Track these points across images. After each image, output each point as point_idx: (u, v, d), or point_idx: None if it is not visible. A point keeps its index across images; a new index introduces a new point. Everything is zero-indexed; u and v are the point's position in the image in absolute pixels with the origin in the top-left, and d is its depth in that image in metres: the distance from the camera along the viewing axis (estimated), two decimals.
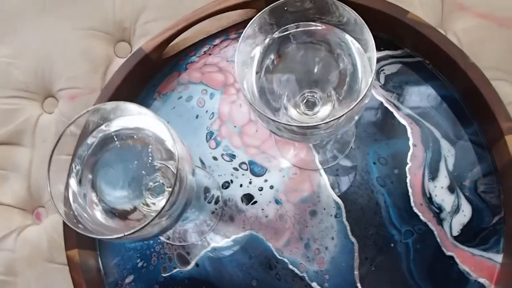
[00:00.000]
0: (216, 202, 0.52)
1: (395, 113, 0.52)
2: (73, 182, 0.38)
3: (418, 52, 0.53)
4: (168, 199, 0.36)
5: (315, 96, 0.44)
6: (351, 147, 0.52)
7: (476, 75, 0.48)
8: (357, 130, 0.52)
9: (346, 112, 0.35)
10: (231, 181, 0.53)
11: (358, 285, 0.48)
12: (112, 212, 0.41)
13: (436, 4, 0.57)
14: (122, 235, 0.35)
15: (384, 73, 0.53)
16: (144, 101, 0.56)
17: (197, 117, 0.55)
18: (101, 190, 0.40)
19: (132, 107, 0.38)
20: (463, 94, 0.51)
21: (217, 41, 0.57)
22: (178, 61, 0.57)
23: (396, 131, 0.51)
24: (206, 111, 0.55)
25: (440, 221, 0.48)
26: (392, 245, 0.49)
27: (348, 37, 0.40)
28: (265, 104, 0.41)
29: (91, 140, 0.39)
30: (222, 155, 0.53)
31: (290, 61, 0.42)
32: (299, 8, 0.40)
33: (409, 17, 0.50)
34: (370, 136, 0.52)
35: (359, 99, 0.35)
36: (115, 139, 0.39)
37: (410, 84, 0.53)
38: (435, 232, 0.48)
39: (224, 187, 0.52)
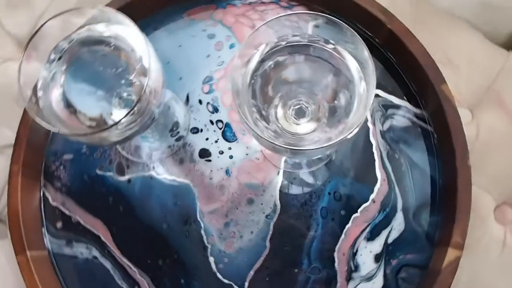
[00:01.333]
0: (178, 140, 0.53)
1: (376, 163, 0.51)
2: (45, 70, 0.38)
3: (432, 122, 0.51)
4: (129, 112, 0.37)
5: (307, 106, 0.43)
6: (319, 167, 0.51)
7: (465, 177, 0.47)
8: (335, 155, 0.51)
9: (332, 144, 0.35)
10: (201, 130, 0.53)
11: (246, 284, 0.49)
12: (72, 112, 0.42)
13: (480, 87, 0.54)
14: (81, 132, 0.36)
15: (391, 121, 0.51)
16: (169, 17, 0.55)
17: (207, 56, 0.54)
18: (71, 87, 0.41)
19: (120, 17, 0.37)
20: (444, 187, 0.50)
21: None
22: None
23: (367, 179, 0.50)
24: (218, 57, 0.54)
25: (349, 278, 0.48)
26: (296, 270, 0.49)
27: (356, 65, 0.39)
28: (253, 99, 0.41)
29: (75, 36, 0.39)
30: (208, 103, 0.53)
31: (290, 68, 0.41)
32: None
33: (442, 89, 0.48)
34: (342, 168, 0.51)
35: (347, 133, 0.35)
36: (100, 43, 0.40)
37: (408, 146, 0.51)
38: (338, 284, 0.48)
39: (192, 132, 0.53)
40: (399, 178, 0.50)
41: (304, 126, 0.43)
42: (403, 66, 0.52)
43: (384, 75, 0.53)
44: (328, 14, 0.37)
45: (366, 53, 0.36)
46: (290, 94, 0.43)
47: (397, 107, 0.52)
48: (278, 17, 0.37)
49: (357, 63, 0.38)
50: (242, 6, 0.55)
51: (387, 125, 0.51)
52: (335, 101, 0.40)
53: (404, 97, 0.52)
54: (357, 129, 0.36)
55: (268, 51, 0.40)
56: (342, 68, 0.40)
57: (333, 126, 0.41)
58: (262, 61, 0.41)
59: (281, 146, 0.35)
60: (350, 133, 0.35)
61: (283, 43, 0.40)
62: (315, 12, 0.37)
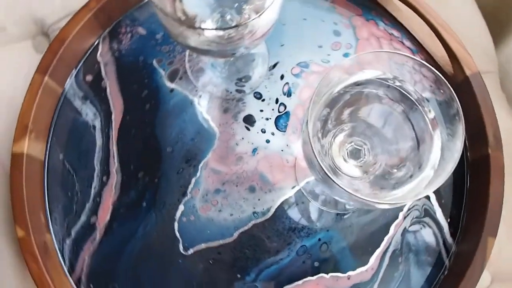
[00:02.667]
0: (238, 91, 0.50)
1: (378, 250, 0.47)
2: None
3: (454, 259, 0.47)
4: (218, 28, 0.35)
5: (365, 154, 0.40)
6: (330, 212, 0.48)
7: None
8: (352, 214, 0.48)
9: (367, 201, 0.32)
10: (263, 100, 0.50)
11: (191, 251, 0.47)
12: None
13: None
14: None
15: (421, 227, 0.48)
16: None
17: (319, 46, 0.52)
18: None
19: None
20: None
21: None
22: None
23: (359, 255, 0.47)
24: (328, 54, 0.51)
25: None
26: (238, 276, 0.46)
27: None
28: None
29: None
30: (287, 83, 0.51)
31: (375, 108, 0.39)
32: None
33: (486, 241, 0.44)
34: (347, 228, 0.48)
35: (384, 203, 0.32)
36: None
37: (416, 261, 0.47)
38: None
39: (254, 95, 0.50)
40: (385, 279, 0.47)
41: (350, 167, 0.40)
42: (469, 199, 0.49)
43: (449, 187, 0.49)
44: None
45: (459, 145, 0.33)
46: (358, 132, 0.40)
47: (435, 221, 0.48)
48: (401, 54, 0.35)
49: (441, 153, 0.35)
50: (383, 31, 0.52)
51: (414, 228, 0.48)
52: (394, 169, 0.37)
53: (449, 219, 0.48)
54: (393, 206, 0.33)
55: (369, 78, 0.38)
56: (424, 147, 0.37)
57: (375, 187, 0.38)
58: (356, 84, 0.38)
59: (320, 165, 0.32)
60: (386, 204, 0.32)
61: (386, 81, 0.37)
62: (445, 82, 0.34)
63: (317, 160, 0.33)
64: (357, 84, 0.38)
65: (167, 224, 0.48)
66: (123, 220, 0.48)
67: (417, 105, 0.36)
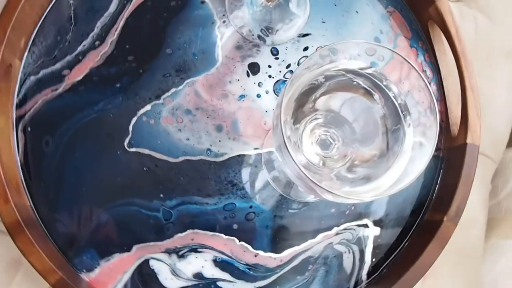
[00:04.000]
0: (263, 34, 0.49)
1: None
2: None
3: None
4: None
5: (335, 145, 0.39)
6: (275, 191, 0.48)
7: None
8: (292, 203, 0.48)
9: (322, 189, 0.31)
10: (277, 58, 0.49)
11: (132, 149, 0.47)
12: None
13: None
14: None
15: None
16: None
17: (376, 41, 0.51)
18: None
19: None
20: None
21: None
22: None
23: (273, 247, 0.47)
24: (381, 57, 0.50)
25: None
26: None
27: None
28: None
29: None
30: (306, 57, 0.50)
31: (349, 99, 0.38)
32: None
33: None
34: (279, 214, 0.47)
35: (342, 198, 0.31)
36: None
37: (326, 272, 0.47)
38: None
39: (272, 51, 0.49)
40: (287, 277, 0.46)
41: (312, 153, 0.39)
42: (403, 252, 0.48)
43: (391, 232, 0.48)
44: None
45: (429, 150, 0.32)
46: (332, 123, 0.39)
47: (361, 253, 0.47)
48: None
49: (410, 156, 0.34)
50: (419, 64, 0.51)
51: (339, 247, 0.47)
52: (357, 167, 0.37)
53: (374, 259, 0.47)
54: (337, 200, 0.32)
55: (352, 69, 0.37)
56: (394, 149, 0.36)
57: (343, 181, 0.37)
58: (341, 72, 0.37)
59: (282, 130, 0.32)
60: (332, 195, 0.31)
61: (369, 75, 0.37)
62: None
63: (281, 125, 0.32)
64: (342, 72, 0.37)
65: (126, 114, 0.47)
66: (91, 87, 0.47)
67: (394, 103, 0.36)
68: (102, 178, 0.46)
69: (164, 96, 0.48)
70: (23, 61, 0.47)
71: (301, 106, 0.38)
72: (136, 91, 0.48)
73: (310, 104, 0.38)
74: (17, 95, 0.47)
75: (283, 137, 0.32)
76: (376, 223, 0.48)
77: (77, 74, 0.48)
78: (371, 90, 0.37)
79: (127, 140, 0.47)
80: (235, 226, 0.46)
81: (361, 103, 0.37)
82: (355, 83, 0.37)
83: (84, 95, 0.47)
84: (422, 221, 0.48)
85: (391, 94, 0.36)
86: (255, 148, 0.48)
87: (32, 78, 0.47)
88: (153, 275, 0.46)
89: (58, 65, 0.48)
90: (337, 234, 0.47)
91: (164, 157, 0.47)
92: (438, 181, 0.49)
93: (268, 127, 0.48)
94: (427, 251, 0.44)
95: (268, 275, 0.46)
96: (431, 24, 0.50)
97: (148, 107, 0.47)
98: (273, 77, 0.49)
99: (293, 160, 0.32)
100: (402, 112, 0.35)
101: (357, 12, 0.51)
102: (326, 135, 0.40)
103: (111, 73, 0.48)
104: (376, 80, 0.36)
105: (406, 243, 0.48)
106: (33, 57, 0.48)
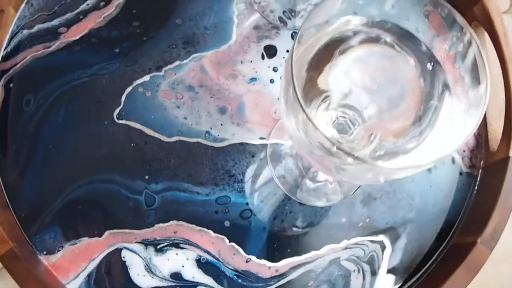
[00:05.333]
0: (285, 19, 0.44)
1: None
2: None
3: None
4: None
5: (353, 125, 0.33)
6: (279, 189, 0.41)
7: None
8: (297, 207, 0.41)
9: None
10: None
11: (120, 122, 0.41)
12: None
13: None
14: None
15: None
16: None
17: None
18: None
19: None
20: None
21: None
22: None
23: (268, 254, 0.39)
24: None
25: None
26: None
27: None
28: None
29: None
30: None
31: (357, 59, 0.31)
32: None
33: None
34: (280, 217, 0.40)
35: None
36: None
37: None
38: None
39: (292, 34, 0.44)
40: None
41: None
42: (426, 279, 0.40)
43: (410, 254, 0.41)
44: None
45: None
46: (351, 100, 0.32)
47: (373, 274, 0.40)
48: None
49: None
50: (456, 69, 0.45)
51: (347, 265, 0.39)
52: (388, 140, 0.30)
53: None
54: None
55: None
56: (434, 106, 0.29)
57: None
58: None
59: (300, 102, 0.25)
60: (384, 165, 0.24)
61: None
62: None
63: (297, 95, 0.25)
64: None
65: (121, 82, 0.42)
66: (87, 48, 0.42)
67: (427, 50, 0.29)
68: (82, 148, 0.40)
69: (166, 68, 0.42)
70: (19, 12, 0.43)
71: (313, 80, 0.32)
72: (136, 59, 0.42)
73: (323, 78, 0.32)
74: (5, 47, 0.42)
75: (303, 107, 0.25)
76: (394, 241, 0.40)
77: (75, 33, 0.43)
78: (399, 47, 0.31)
79: (117, 111, 0.41)
80: (226, 224, 0.39)
81: (386, 65, 0.31)
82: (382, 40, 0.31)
83: (78, 56, 0.42)
84: (449, 243, 0.40)
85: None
86: (261, 138, 0.41)
87: (25, 31, 0.43)
88: (123, 267, 0.38)
89: (55, 22, 0.43)
90: (346, 248, 0.40)
91: (156, 134, 0.41)
92: (470, 202, 0.41)
93: (278, 116, 0.42)
94: (454, 276, 0.36)
95: (259, 286, 0.39)
96: (476, 26, 0.45)
97: (146, 78, 0.42)
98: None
99: (320, 132, 0.25)
100: (437, 72, 0.29)
101: (392, 6, 0.46)
102: (344, 117, 0.34)
103: (112, 37, 0.43)
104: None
105: (429, 268, 0.40)
106: (30, 10, 0.43)
